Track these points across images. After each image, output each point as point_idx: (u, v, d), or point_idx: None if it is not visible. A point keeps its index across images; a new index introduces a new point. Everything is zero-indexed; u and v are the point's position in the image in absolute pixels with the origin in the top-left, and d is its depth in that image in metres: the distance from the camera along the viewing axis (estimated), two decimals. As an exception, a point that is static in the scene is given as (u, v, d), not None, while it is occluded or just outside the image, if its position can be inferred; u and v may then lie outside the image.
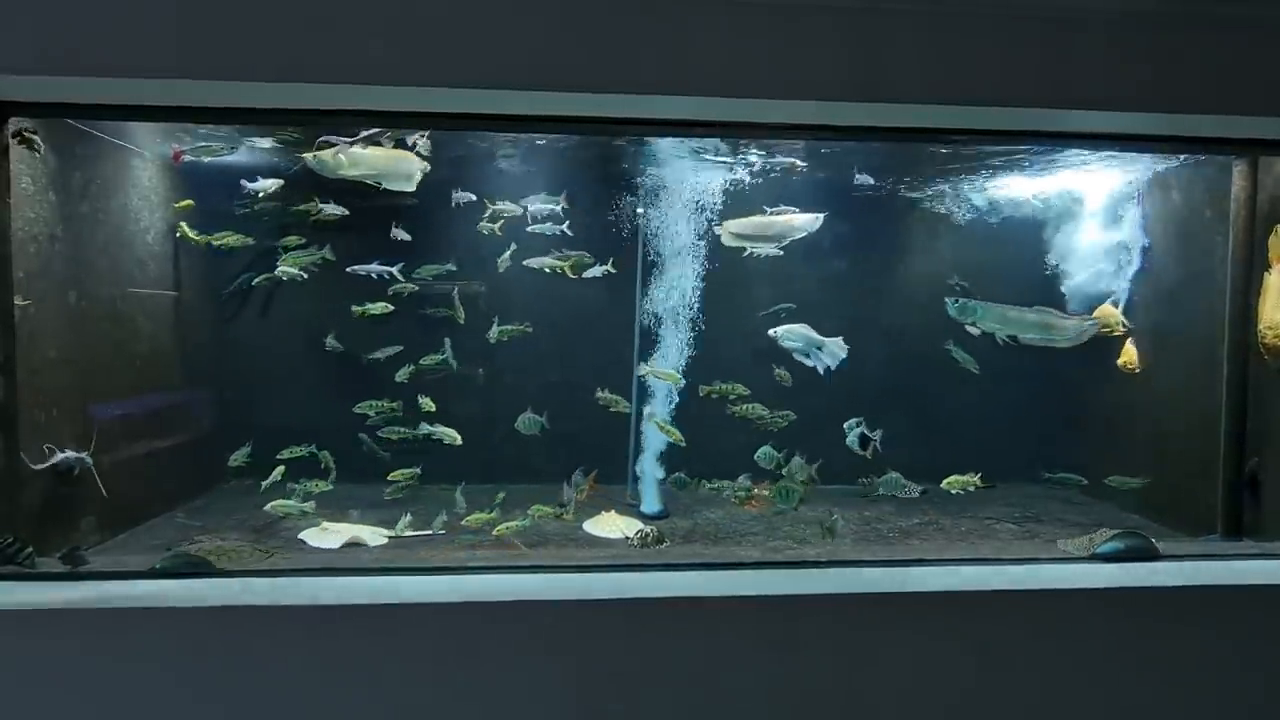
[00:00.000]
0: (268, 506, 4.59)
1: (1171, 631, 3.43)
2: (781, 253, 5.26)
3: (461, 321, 5.18)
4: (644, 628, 3.26)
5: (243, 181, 4.75)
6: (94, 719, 3.06)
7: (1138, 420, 5.29)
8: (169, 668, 3.07)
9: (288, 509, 4.57)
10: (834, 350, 4.87)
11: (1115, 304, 5.21)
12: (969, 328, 4.54)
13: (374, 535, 4.48)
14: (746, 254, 5.26)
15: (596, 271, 5.09)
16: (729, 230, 5.20)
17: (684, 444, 5.01)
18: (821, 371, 4.89)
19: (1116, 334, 5.14)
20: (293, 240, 5.17)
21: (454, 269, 5.15)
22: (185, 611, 3.06)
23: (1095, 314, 5.10)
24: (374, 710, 3.13)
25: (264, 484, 4.72)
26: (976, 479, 4.64)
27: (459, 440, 4.87)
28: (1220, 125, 3.48)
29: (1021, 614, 3.40)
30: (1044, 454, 5.59)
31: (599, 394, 5.04)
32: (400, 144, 4.56)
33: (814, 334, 4.89)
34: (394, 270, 5.04)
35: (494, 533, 4.26)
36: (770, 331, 4.89)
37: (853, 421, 4.59)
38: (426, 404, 4.96)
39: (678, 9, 3.11)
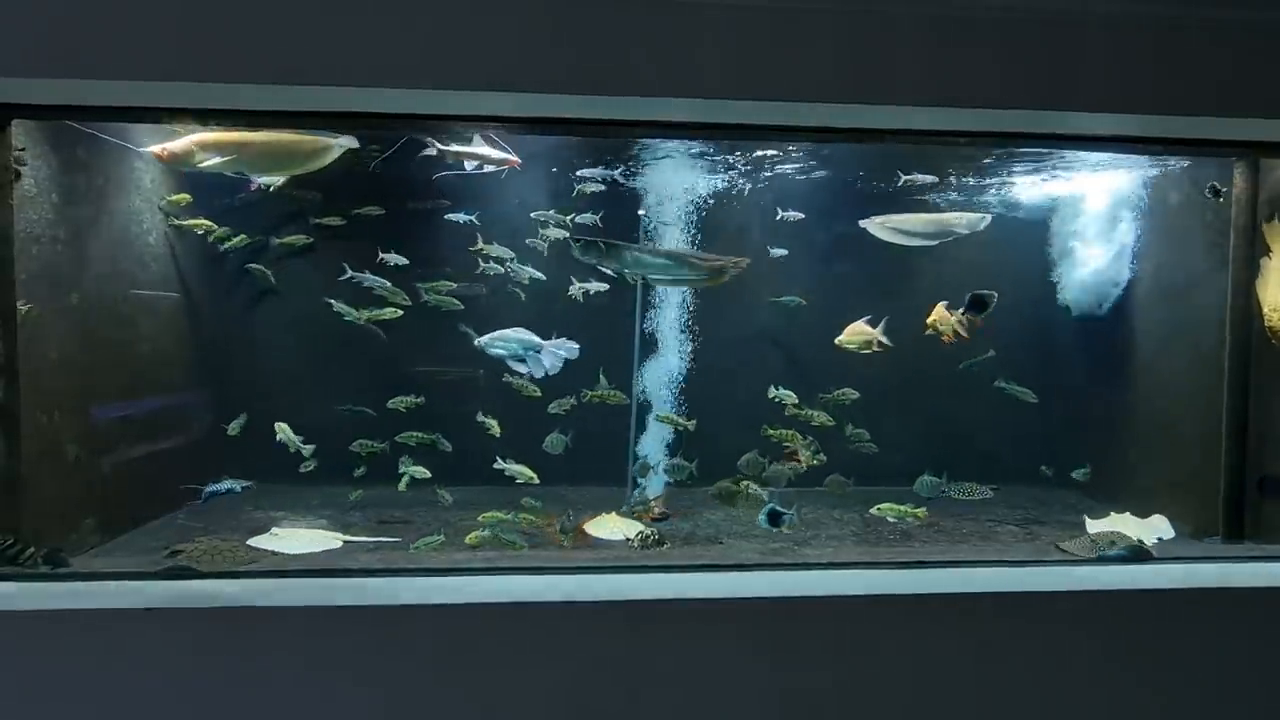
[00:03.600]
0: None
1: (1171, 633, 3.42)
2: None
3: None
4: (644, 629, 3.26)
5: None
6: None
7: (1141, 421, 5.28)
8: (168, 669, 3.07)
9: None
10: (556, 353, 4.62)
11: (871, 323, 5.04)
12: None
13: (329, 539, 4.34)
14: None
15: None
16: (884, 225, 5.08)
17: (691, 429, 4.98)
18: (540, 375, 4.66)
19: (871, 350, 5.00)
20: (300, 240, 5.20)
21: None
22: (185, 612, 3.07)
23: (847, 333, 4.96)
24: (374, 711, 3.13)
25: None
26: (919, 511, 4.54)
27: (535, 479, 4.75)
28: (1221, 127, 3.48)
29: (1023, 616, 3.39)
30: (1047, 456, 5.59)
31: (770, 431, 4.97)
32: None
33: (530, 336, 4.63)
34: (385, 284, 4.97)
35: (466, 540, 4.19)
36: (477, 341, 4.66)
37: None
38: (492, 426, 4.88)
39: (678, 10, 3.11)
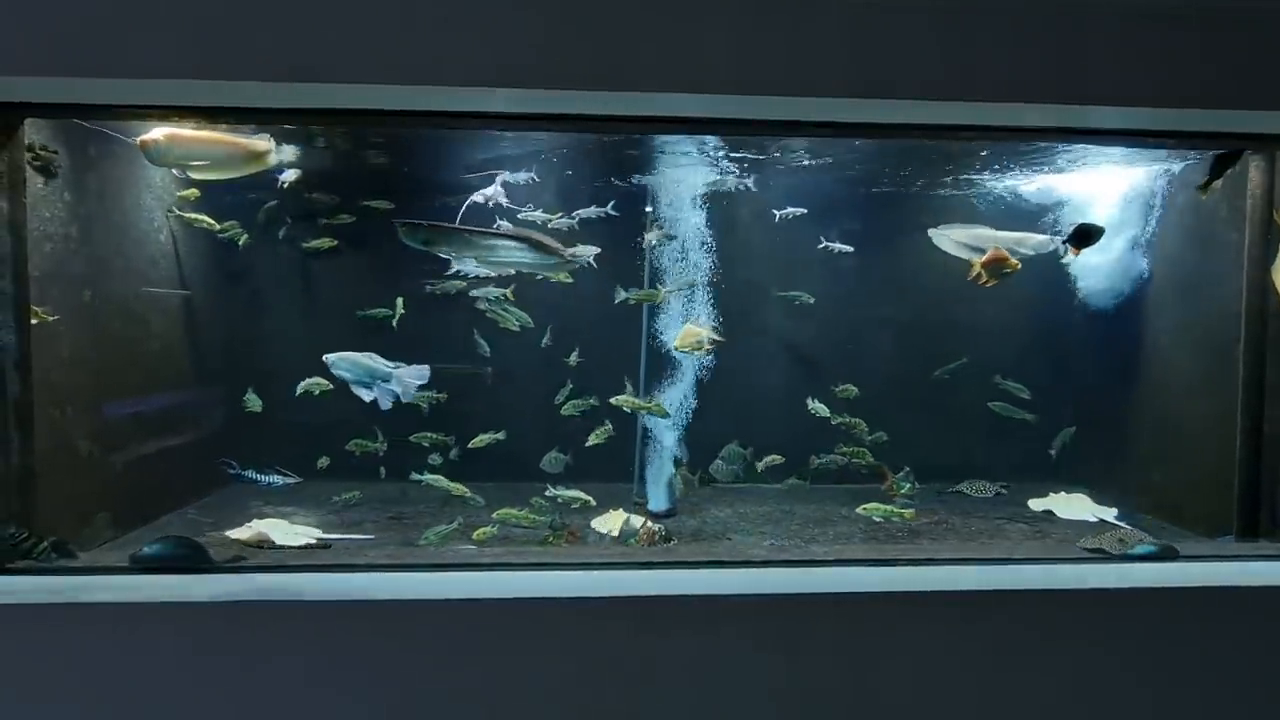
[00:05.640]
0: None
1: (1183, 632, 3.40)
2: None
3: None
4: (649, 626, 3.26)
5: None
6: (96, 715, 3.10)
7: (1152, 419, 5.23)
8: (171, 663, 3.10)
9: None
10: (404, 381, 4.34)
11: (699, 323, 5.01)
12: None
13: (307, 536, 4.28)
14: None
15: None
16: (949, 236, 5.08)
17: (667, 415, 5.01)
18: (387, 406, 4.39)
19: (701, 351, 4.94)
20: (326, 242, 5.26)
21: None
22: (188, 607, 3.10)
23: (680, 336, 4.92)
24: (375, 707, 3.15)
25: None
26: (907, 512, 4.53)
27: (593, 502, 4.70)
28: (1234, 120, 3.43)
29: (1032, 614, 3.37)
30: (1057, 455, 5.56)
31: (844, 449, 5.13)
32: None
33: (377, 364, 4.32)
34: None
35: (474, 536, 4.20)
36: (325, 358, 4.41)
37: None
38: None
39: (684, 6, 3.10)
